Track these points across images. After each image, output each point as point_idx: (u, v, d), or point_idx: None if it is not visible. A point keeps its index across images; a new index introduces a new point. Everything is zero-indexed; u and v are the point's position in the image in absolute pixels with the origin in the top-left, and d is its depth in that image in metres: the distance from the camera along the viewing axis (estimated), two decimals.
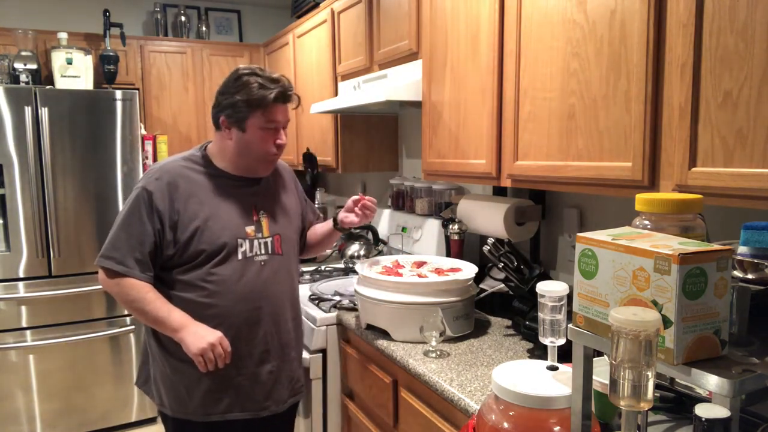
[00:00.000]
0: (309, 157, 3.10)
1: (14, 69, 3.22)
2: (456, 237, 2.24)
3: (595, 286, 0.85)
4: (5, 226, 3.01)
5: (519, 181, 1.69)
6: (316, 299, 2.26)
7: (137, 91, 3.36)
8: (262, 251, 1.69)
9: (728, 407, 0.71)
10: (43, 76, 3.39)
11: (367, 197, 1.87)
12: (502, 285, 1.91)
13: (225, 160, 1.71)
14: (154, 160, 3.52)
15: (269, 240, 1.72)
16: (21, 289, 3.05)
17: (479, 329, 1.87)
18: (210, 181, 1.68)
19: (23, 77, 3.19)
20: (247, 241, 1.66)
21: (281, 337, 1.73)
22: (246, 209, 1.70)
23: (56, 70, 3.27)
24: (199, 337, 1.54)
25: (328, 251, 3.00)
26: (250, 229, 1.68)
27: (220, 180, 1.70)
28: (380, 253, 2.83)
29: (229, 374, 1.64)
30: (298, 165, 3.33)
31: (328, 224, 1.94)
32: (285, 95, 1.66)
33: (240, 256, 1.65)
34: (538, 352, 1.62)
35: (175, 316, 1.57)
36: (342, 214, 1.89)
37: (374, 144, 2.97)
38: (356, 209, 1.86)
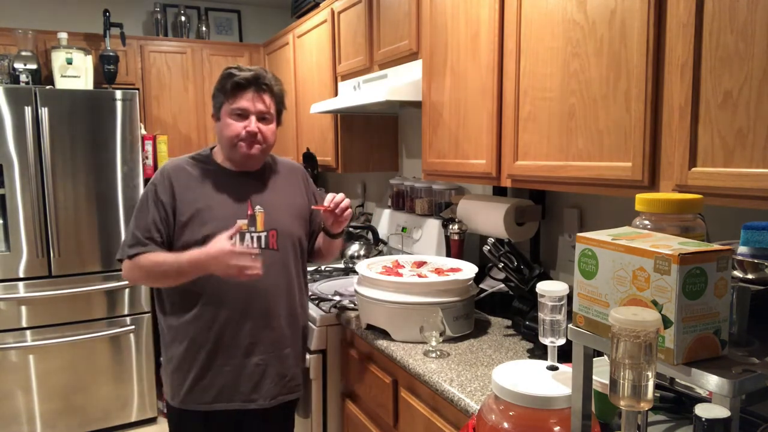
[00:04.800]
0: (309, 157, 3.10)
1: (14, 69, 3.22)
2: (456, 237, 2.24)
3: (595, 286, 0.85)
4: (5, 226, 3.01)
5: (519, 181, 1.69)
6: (316, 299, 2.26)
7: (137, 91, 3.36)
8: (255, 245, 1.71)
9: (728, 407, 0.71)
10: (43, 76, 3.39)
11: (338, 197, 1.75)
12: (502, 285, 1.91)
13: (221, 154, 1.78)
14: (154, 160, 3.52)
15: (263, 234, 1.73)
16: (21, 289, 3.04)
17: (479, 329, 1.87)
18: (207, 176, 1.74)
19: (23, 77, 3.19)
20: (237, 234, 1.67)
21: (272, 332, 1.74)
22: (241, 203, 1.73)
23: (56, 70, 3.27)
24: (220, 264, 1.55)
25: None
26: (242, 223, 1.69)
27: (218, 174, 1.75)
28: (380, 253, 2.83)
29: (217, 363, 1.70)
30: None
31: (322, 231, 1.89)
32: (249, 80, 1.67)
33: None
34: (538, 352, 1.62)
35: (185, 262, 1.60)
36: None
37: (374, 144, 2.97)
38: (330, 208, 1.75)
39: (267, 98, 1.71)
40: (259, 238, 1.72)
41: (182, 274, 1.62)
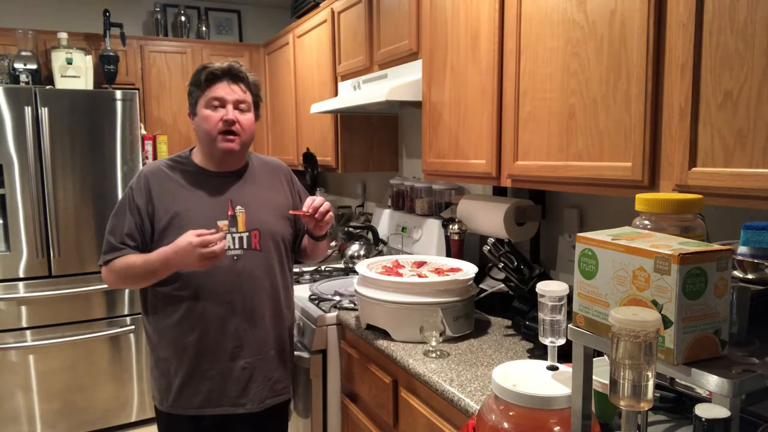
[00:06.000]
0: (309, 157, 3.10)
1: (14, 69, 3.22)
2: (456, 237, 2.24)
3: (595, 286, 0.85)
4: (5, 226, 3.01)
5: (519, 181, 1.69)
6: (316, 299, 2.26)
7: (137, 91, 3.36)
8: (236, 246, 1.70)
9: (728, 407, 0.71)
10: (43, 76, 3.39)
11: (317, 202, 1.71)
12: (502, 285, 1.91)
13: (200, 154, 1.77)
14: (154, 159, 3.52)
15: (245, 235, 1.72)
16: (21, 289, 3.05)
17: (479, 329, 1.87)
18: (187, 178, 1.74)
19: (23, 77, 3.19)
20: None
21: (257, 334, 1.73)
22: (221, 204, 1.72)
23: (56, 70, 3.27)
24: (189, 254, 1.53)
25: (328, 251, 2.99)
26: (222, 224, 1.69)
27: (198, 176, 1.74)
28: (380, 253, 2.83)
29: (203, 367, 1.69)
30: (298, 165, 3.33)
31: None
32: (224, 70, 1.69)
33: None
34: (538, 352, 1.62)
35: (154, 260, 1.60)
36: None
37: (374, 144, 2.97)
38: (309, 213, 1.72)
39: (242, 87, 1.72)
40: (240, 238, 1.71)
41: (153, 273, 1.62)
